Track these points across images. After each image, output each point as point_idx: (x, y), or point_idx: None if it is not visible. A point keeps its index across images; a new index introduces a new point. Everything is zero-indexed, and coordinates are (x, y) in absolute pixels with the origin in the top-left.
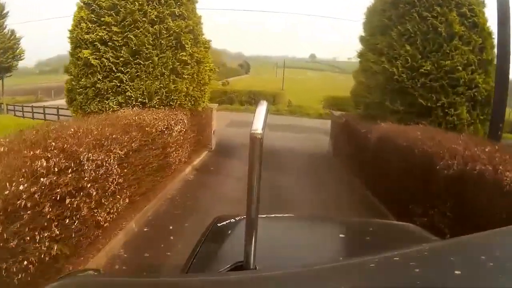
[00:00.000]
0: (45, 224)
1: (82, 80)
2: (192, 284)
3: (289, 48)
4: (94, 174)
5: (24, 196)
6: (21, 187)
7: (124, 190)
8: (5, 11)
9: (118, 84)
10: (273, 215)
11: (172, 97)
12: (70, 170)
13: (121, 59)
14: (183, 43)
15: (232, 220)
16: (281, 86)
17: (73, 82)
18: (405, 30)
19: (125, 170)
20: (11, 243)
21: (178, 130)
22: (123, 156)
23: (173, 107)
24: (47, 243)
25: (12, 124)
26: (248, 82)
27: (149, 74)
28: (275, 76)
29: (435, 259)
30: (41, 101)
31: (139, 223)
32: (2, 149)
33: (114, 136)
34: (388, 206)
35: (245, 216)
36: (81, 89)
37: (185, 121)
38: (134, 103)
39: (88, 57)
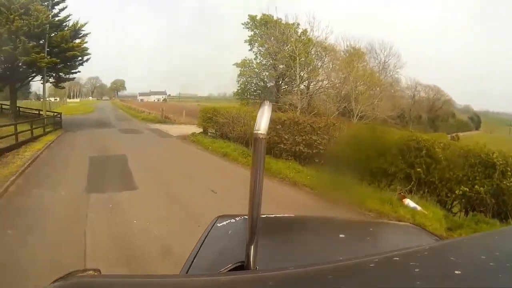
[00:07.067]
0: None
1: None
2: (192, 284)
3: None
4: None
5: None
6: None
7: None
8: None
9: None
10: (273, 215)
11: None
12: None
13: None
14: None
15: (233, 219)
16: None
17: None
18: None
19: None
20: None
21: None
22: None
23: None
24: None
25: None
26: (480, 140)
27: None
28: (509, 135)
29: (435, 259)
30: None
31: None
32: None
33: None
34: None
35: (246, 216)
36: None
37: None
38: None
39: None
